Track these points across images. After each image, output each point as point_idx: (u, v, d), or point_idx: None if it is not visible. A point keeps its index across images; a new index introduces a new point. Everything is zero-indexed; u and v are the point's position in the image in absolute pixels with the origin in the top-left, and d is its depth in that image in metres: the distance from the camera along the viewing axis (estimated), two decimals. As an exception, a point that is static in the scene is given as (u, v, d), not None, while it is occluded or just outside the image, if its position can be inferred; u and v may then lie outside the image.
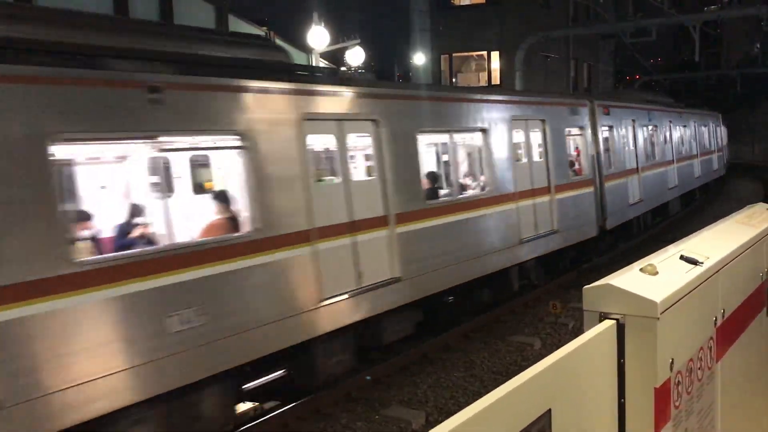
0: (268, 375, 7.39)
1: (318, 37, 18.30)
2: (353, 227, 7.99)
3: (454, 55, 28.09)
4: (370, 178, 8.79)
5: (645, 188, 17.56)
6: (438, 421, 1.54)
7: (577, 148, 14.32)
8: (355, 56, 21.14)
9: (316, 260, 7.39)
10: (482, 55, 27.70)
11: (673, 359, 2.47)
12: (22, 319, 4.98)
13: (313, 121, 7.59)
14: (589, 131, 14.34)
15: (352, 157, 8.88)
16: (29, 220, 5.13)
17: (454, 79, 28.15)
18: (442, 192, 10.18)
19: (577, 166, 14.13)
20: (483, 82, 27.11)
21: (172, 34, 7.22)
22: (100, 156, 6.94)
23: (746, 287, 3.56)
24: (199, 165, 7.78)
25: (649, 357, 2.34)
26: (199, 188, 7.77)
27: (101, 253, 6.10)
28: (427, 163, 9.96)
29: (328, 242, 7.60)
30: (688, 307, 2.63)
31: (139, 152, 6.56)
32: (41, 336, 5.10)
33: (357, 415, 7.69)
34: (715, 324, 2.99)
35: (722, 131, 33.43)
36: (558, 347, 2.06)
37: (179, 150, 6.86)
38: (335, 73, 10.10)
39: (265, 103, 7.10)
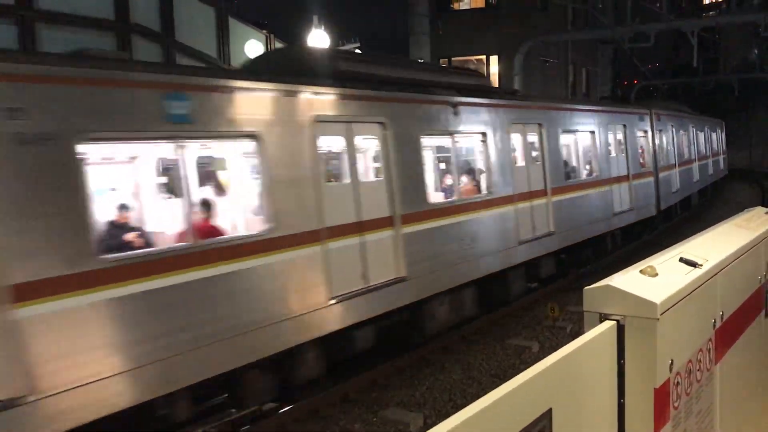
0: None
1: (318, 39, 18.34)
2: (530, 196, 11.84)
3: (453, 59, 28.10)
4: (537, 162, 12.43)
5: (681, 180, 21.67)
6: (436, 424, 1.55)
7: (641, 146, 17.93)
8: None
9: (516, 216, 11.26)
10: (481, 59, 27.73)
11: (672, 360, 2.48)
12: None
13: (514, 124, 11.62)
14: (650, 133, 18.31)
15: (529, 148, 12.36)
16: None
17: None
18: (570, 175, 13.74)
19: (642, 160, 17.64)
20: (482, 86, 27.09)
21: (445, 71, 11.47)
22: (431, 145, 10.81)
23: (745, 290, 3.57)
24: (466, 151, 11.50)
25: (648, 358, 2.35)
26: (465, 165, 11.36)
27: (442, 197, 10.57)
28: (563, 153, 13.53)
29: (521, 204, 11.45)
30: (688, 308, 2.64)
31: (447, 143, 10.50)
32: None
33: (355, 416, 7.70)
34: (714, 326, 3.01)
35: (724, 136, 36.52)
36: (556, 350, 2.07)
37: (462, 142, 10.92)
38: (516, 92, 14.53)
39: (494, 114, 11.07)
